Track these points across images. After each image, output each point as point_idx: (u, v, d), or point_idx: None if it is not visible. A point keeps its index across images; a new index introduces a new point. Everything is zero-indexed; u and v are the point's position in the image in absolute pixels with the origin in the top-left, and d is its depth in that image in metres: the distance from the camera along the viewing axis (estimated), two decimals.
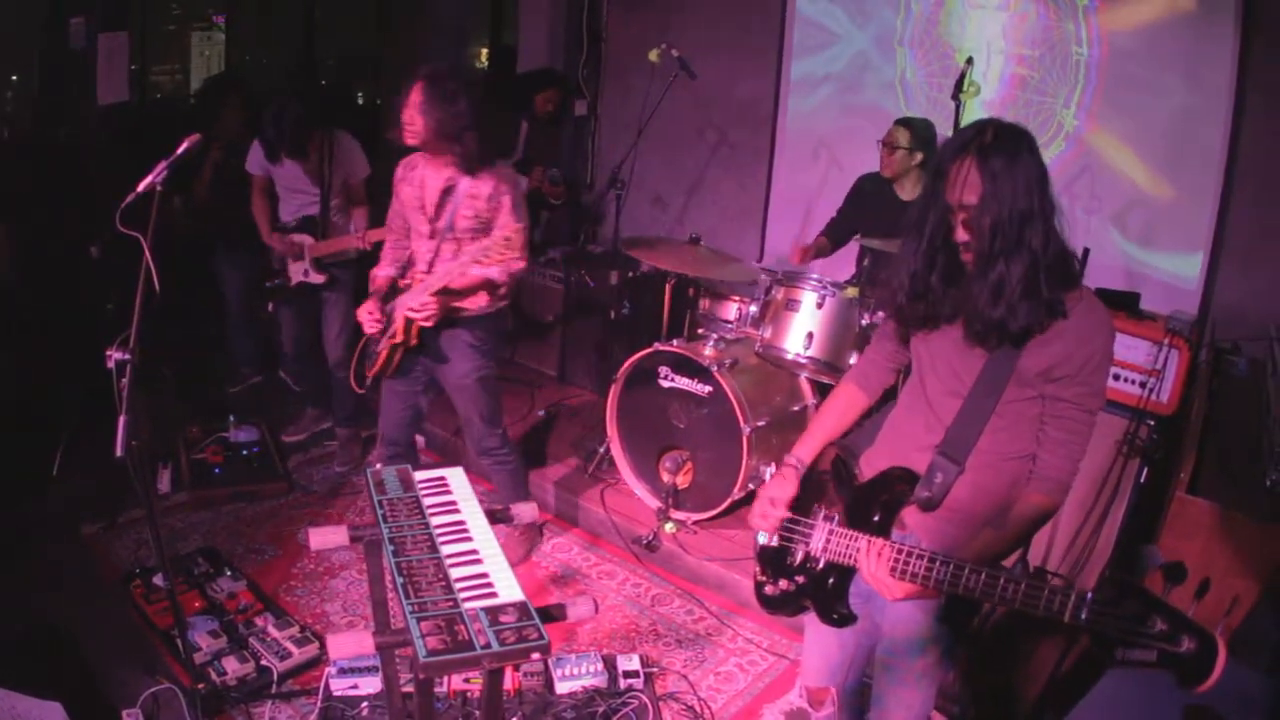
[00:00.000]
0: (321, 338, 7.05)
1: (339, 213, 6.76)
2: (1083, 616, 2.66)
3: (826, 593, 3.45)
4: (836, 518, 3.45)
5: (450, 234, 5.25)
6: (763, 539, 3.74)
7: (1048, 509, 3.22)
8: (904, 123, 6.65)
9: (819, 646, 3.92)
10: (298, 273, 6.81)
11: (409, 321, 5.24)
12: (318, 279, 6.76)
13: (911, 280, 3.25)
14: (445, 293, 5.17)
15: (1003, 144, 2.96)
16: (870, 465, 3.57)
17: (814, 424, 3.85)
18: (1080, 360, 3.06)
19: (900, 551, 3.06)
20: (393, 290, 5.49)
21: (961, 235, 3.05)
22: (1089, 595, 2.67)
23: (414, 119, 5.01)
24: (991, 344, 3.14)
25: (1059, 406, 3.15)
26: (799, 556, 3.56)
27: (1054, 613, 2.72)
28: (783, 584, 3.64)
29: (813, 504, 3.56)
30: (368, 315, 5.42)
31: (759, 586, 3.77)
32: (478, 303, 5.39)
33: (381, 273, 5.59)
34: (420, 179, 5.32)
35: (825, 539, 3.43)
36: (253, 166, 6.80)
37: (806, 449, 3.76)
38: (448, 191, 5.23)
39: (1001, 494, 3.30)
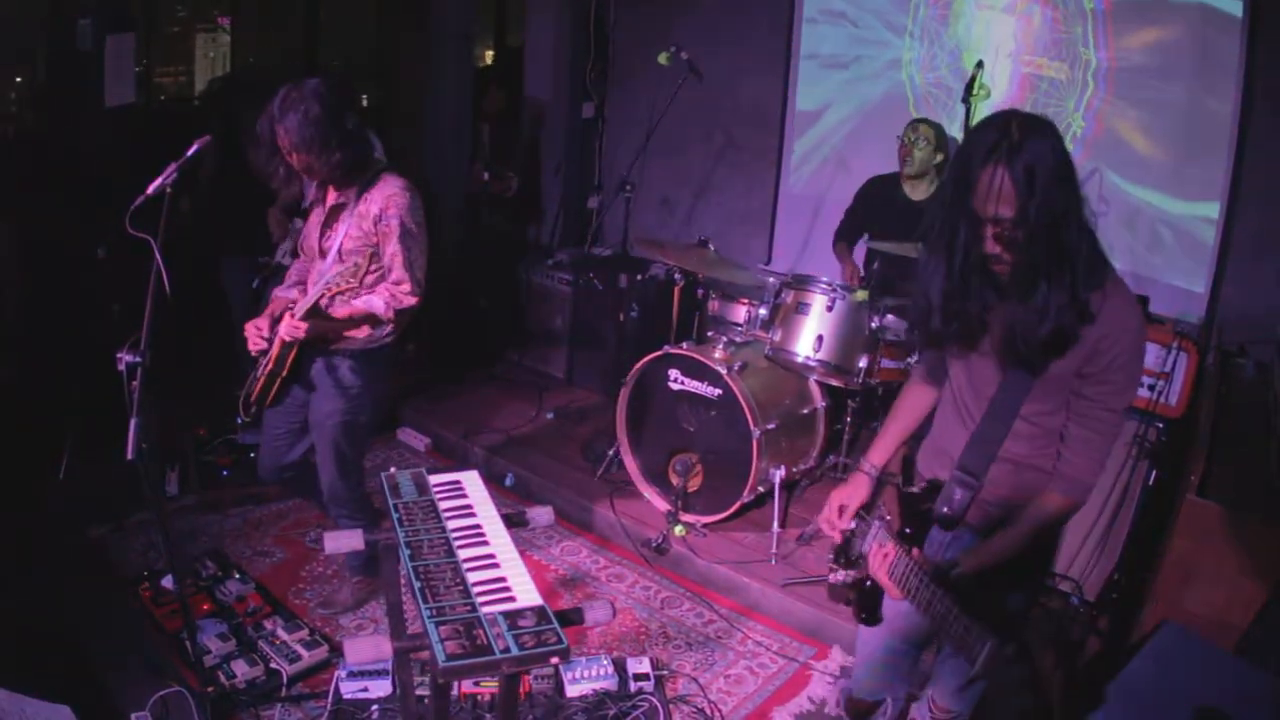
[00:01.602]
0: None
1: None
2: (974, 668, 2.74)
3: (865, 592, 3.46)
4: (888, 521, 3.44)
5: (337, 259, 4.84)
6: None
7: (1066, 508, 3.19)
8: (925, 121, 6.66)
9: (875, 660, 3.89)
10: (280, 253, 6.88)
11: (284, 347, 4.84)
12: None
13: (945, 300, 3.13)
14: (318, 316, 4.76)
15: (1031, 143, 2.81)
16: (925, 467, 3.59)
17: (886, 426, 3.83)
18: (1107, 359, 3.00)
19: (900, 560, 3.05)
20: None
21: (993, 248, 2.93)
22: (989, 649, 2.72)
23: (284, 144, 4.62)
24: (1032, 362, 3.09)
25: (1082, 404, 3.10)
26: (854, 550, 3.56)
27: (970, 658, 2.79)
28: (840, 574, 3.66)
29: (878, 502, 3.56)
30: (254, 330, 4.93)
31: (831, 571, 3.78)
32: (357, 335, 4.97)
33: (282, 293, 5.17)
34: (322, 201, 5.02)
35: (871, 539, 3.42)
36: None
37: (879, 452, 3.76)
38: (338, 209, 4.92)
39: (1028, 496, 3.27)
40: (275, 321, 4.91)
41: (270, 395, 5.01)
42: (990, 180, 2.83)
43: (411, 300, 4.86)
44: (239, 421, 5.40)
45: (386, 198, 4.77)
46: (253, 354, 5.01)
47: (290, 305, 4.91)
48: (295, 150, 4.59)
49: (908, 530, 3.34)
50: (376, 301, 4.80)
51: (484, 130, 8.76)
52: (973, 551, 3.20)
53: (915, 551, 3.18)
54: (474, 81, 8.96)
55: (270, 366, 4.89)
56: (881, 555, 3.20)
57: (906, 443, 3.79)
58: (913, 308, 3.35)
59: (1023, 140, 2.81)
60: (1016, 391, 3.18)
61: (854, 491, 3.67)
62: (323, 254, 4.96)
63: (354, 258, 4.67)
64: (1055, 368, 3.07)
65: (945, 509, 3.31)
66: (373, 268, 4.74)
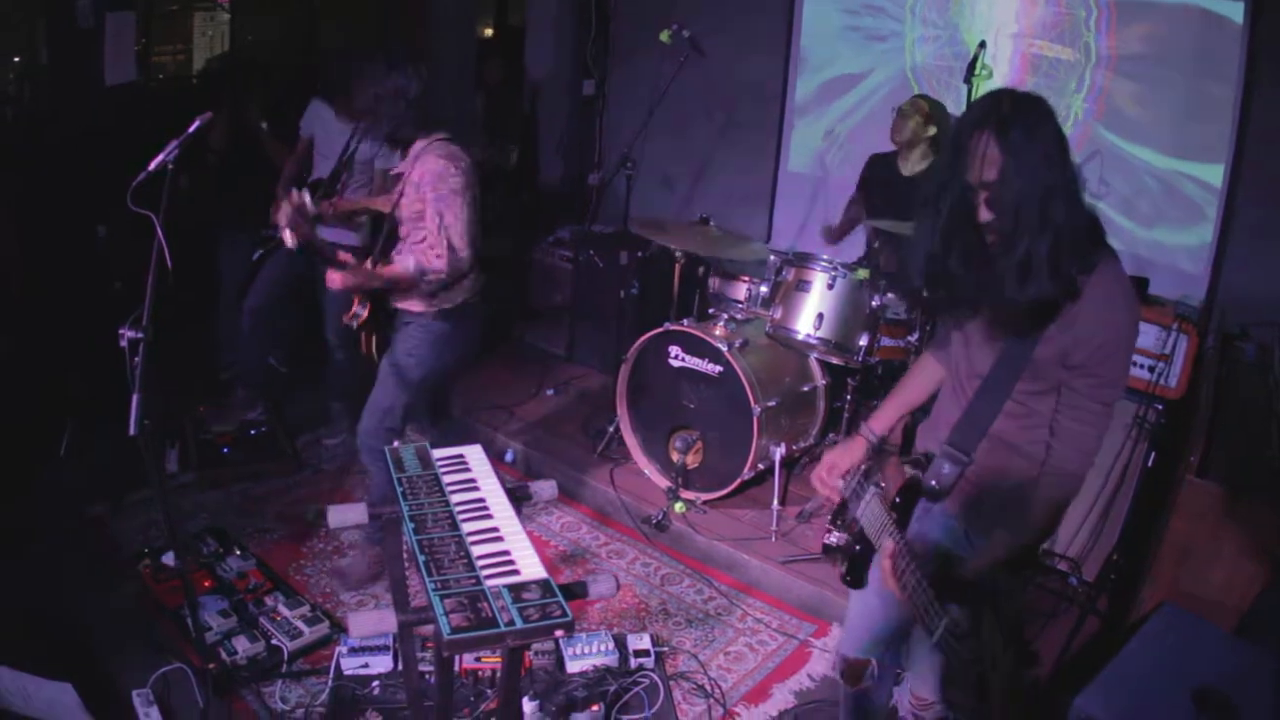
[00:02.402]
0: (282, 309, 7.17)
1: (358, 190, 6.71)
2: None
3: (854, 556, 3.47)
4: (884, 489, 3.43)
5: (398, 218, 5.22)
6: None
7: (1059, 499, 3.17)
8: (922, 96, 6.68)
9: (862, 618, 3.86)
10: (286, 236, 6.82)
11: (363, 326, 5.38)
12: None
13: (928, 262, 3.12)
14: (360, 273, 5.10)
15: (1021, 115, 2.87)
16: (920, 441, 3.59)
17: (892, 394, 3.84)
18: (1094, 346, 2.97)
19: (904, 557, 3.05)
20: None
21: (985, 215, 2.94)
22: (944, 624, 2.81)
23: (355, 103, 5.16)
24: (1016, 328, 3.09)
25: (1071, 396, 3.08)
26: (849, 514, 3.58)
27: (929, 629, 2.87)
28: (835, 536, 3.68)
29: (875, 470, 3.56)
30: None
31: (827, 533, 3.80)
32: (418, 302, 5.23)
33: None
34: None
35: (865, 506, 3.43)
36: (304, 127, 6.89)
37: (881, 420, 3.77)
38: (399, 177, 5.21)
39: (1014, 479, 3.27)
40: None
41: (373, 346, 5.49)
42: (978, 146, 2.88)
43: (439, 264, 5.00)
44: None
45: (423, 169, 4.99)
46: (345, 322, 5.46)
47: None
48: (357, 105, 5.11)
49: (898, 499, 3.35)
50: (409, 261, 5.04)
51: (480, 101, 8.75)
52: (978, 556, 3.20)
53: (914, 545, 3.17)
54: (474, 55, 8.98)
55: (355, 314, 5.35)
56: (886, 554, 3.19)
57: (912, 414, 3.80)
58: (899, 272, 3.39)
59: (1013, 112, 2.87)
60: (1010, 369, 3.18)
61: (846, 453, 3.68)
62: (398, 219, 5.24)
63: (408, 222, 5.13)
64: (1041, 351, 3.07)
65: (933, 482, 3.32)
66: (420, 227, 5.06)
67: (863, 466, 3.59)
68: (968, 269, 3.06)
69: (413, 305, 5.24)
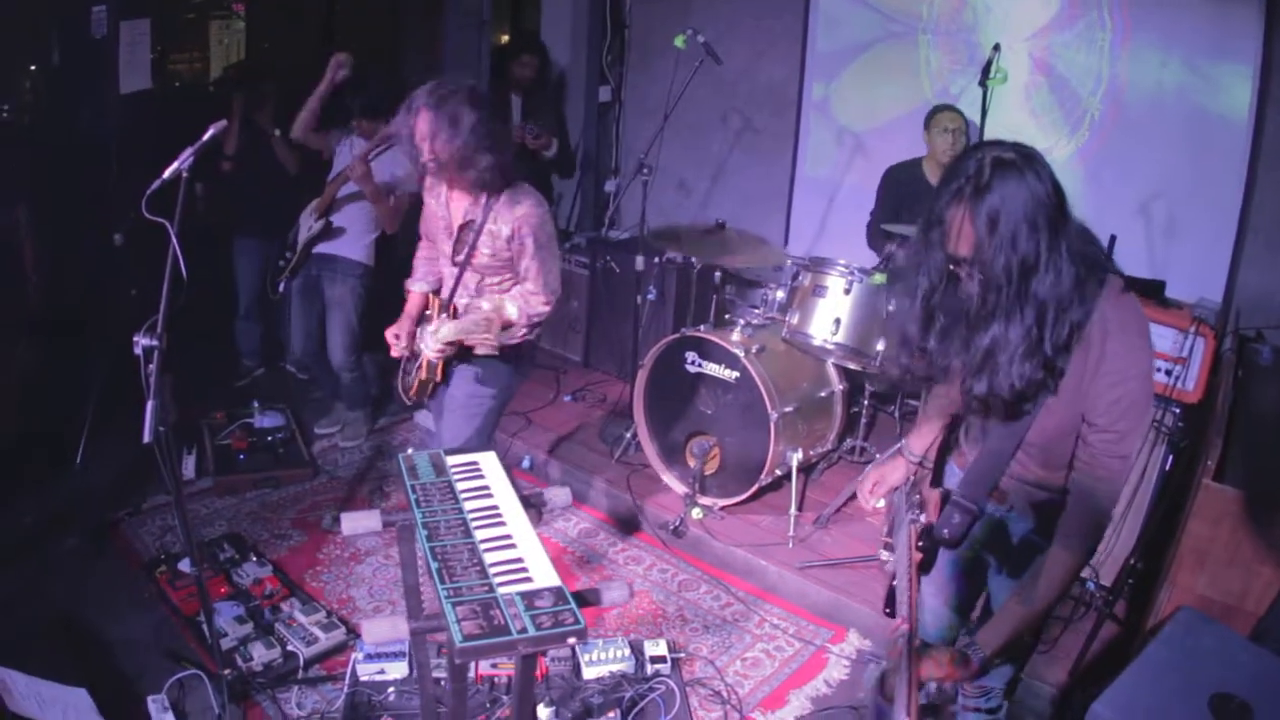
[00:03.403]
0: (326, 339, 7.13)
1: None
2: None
3: (892, 591, 3.42)
4: (916, 522, 3.36)
5: (470, 266, 4.97)
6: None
7: (1074, 565, 3.04)
8: (951, 108, 6.66)
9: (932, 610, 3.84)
10: (304, 231, 6.94)
11: (431, 361, 5.07)
12: (317, 227, 6.85)
13: (905, 344, 3.09)
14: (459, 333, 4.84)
15: (1000, 181, 2.68)
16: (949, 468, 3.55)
17: (925, 413, 3.79)
18: (1108, 403, 2.88)
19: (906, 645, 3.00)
20: (423, 316, 5.28)
21: (971, 287, 2.83)
22: None
23: (431, 152, 4.60)
24: (985, 413, 3.06)
25: (1088, 450, 2.96)
26: (894, 539, 3.55)
27: None
28: (890, 560, 3.65)
29: (915, 492, 3.52)
30: (394, 339, 5.17)
31: (884, 547, 3.77)
32: (487, 345, 5.00)
33: (415, 288, 5.33)
34: (446, 198, 5.00)
35: (899, 543, 3.38)
36: (331, 147, 6.98)
37: (919, 439, 3.72)
38: (466, 226, 4.90)
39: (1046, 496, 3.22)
40: (415, 322, 5.25)
41: (428, 393, 5.26)
42: (954, 220, 2.76)
43: (545, 308, 4.96)
44: (408, 403, 5.48)
45: (519, 219, 4.79)
46: (395, 357, 5.29)
47: (427, 299, 5.25)
48: (439, 156, 4.60)
49: (920, 544, 3.31)
50: (511, 309, 4.90)
51: (515, 102, 8.76)
52: (989, 630, 3.12)
53: (910, 634, 3.10)
54: (500, 54, 9.00)
55: (424, 375, 5.13)
56: (892, 642, 3.16)
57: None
58: (890, 345, 3.27)
59: (991, 180, 2.69)
60: (1005, 443, 3.13)
61: (889, 471, 3.66)
62: (455, 263, 5.01)
63: (492, 272, 4.93)
64: (1045, 421, 3.00)
65: (945, 532, 3.22)
66: (507, 275, 4.92)
67: (906, 484, 3.57)
68: (945, 353, 3.01)
69: (487, 348, 5.01)
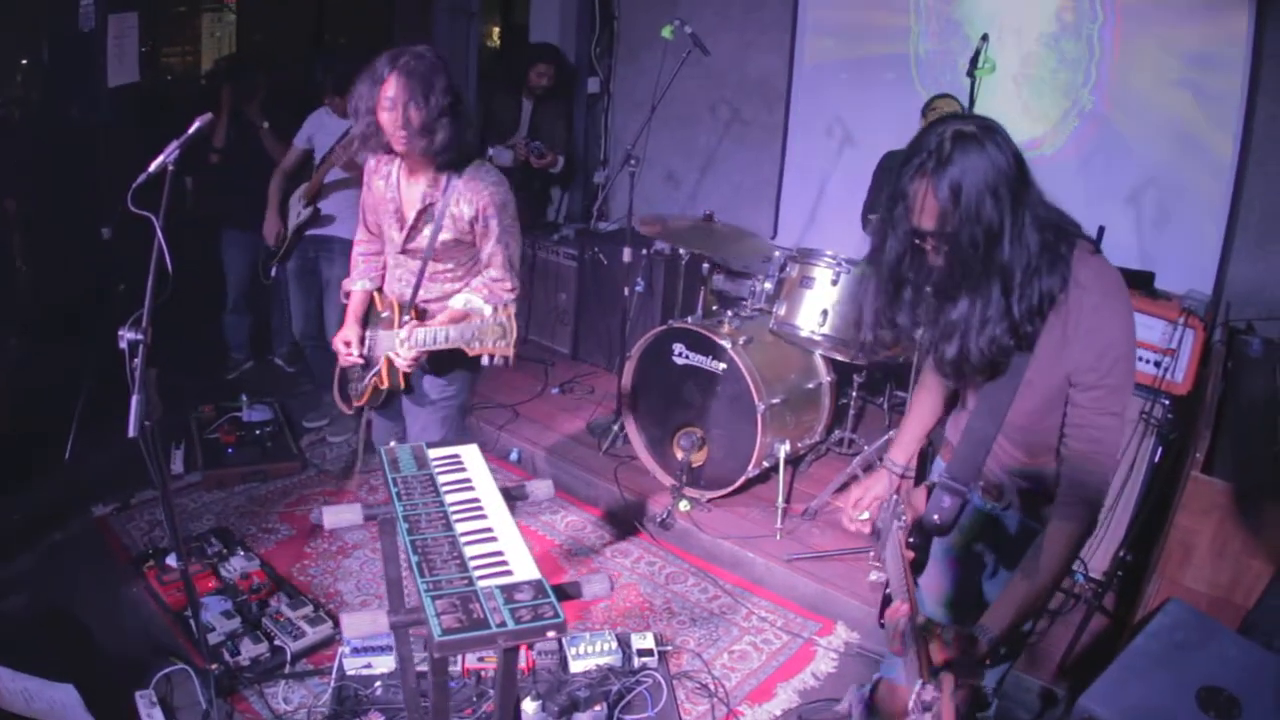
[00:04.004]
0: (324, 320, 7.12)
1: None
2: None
3: (885, 598, 3.41)
4: (904, 524, 3.35)
5: (432, 256, 4.67)
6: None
7: (1076, 535, 2.98)
8: (947, 96, 6.63)
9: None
10: (293, 217, 6.96)
11: (394, 368, 4.70)
12: (305, 214, 6.87)
13: (875, 317, 3.05)
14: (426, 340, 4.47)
15: (960, 154, 2.69)
16: (949, 430, 3.52)
17: (905, 422, 3.76)
18: (1093, 358, 2.86)
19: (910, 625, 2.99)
20: (370, 311, 5.01)
21: (935, 259, 2.85)
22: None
23: (402, 118, 4.26)
24: (962, 379, 3.06)
25: (1077, 413, 2.94)
26: (881, 552, 3.54)
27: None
28: (878, 574, 3.64)
29: (901, 502, 3.51)
30: (344, 346, 4.91)
31: (872, 569, 3.75)
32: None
33: (356, 286, 5.01)
34: (396, 179, 4.66)
35: (889, 550, 3.37)
36: (299, 138, 6.93)
37: (900, 450, 3.70)
38: (425, 212, 4.60)
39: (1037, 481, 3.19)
40: (364, 327, 4.97)
41: (380, 400, 5.01)
42: (917, 194, 2.76)
43: (511, 295, 4.68)
44: (345, 410, 5.32)
45: (483, 200, 4.51)
46: (344, 366, 5.11)
47: (370, 298, 4.97)
48: (411, 122, 4.26)
49: (912, 539, 3.31)
50: (477, 302, 4.50)
51: (525, 106, 8.76)
52: (995, 611, 3.04)
53: (912, 613, 3.08)
54: (518, 59, 9.00)
55: (383, 384, 4.85)
56: (892, 620, 3.14)
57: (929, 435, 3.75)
58: (853, 326, 3.24)
59: (952, 153, 2.70)
60: (988, 420, 3.12)
61: (872, 484, 3.64)
62: (404, 251, 4.72)
63: (449, 258, 4.67)
64: (1036, 373, 2.97)
65: (935, 517, 3.24)
66: (464, 262, 4.69)
67: (891, 499, 3.55)
68: (914, 324, 3.01)
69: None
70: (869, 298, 3.05)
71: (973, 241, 2.70)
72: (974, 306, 2.80)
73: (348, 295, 5.05)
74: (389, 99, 4.23)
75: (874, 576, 3.65)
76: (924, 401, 3.67)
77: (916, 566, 3.31)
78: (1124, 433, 5.29)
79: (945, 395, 3.59)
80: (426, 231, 4.62)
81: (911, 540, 3.32)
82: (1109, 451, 2.94)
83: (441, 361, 4.77)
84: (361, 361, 4.96)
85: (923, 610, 3.51)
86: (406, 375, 4.75)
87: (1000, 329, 2.81)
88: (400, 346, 4.48)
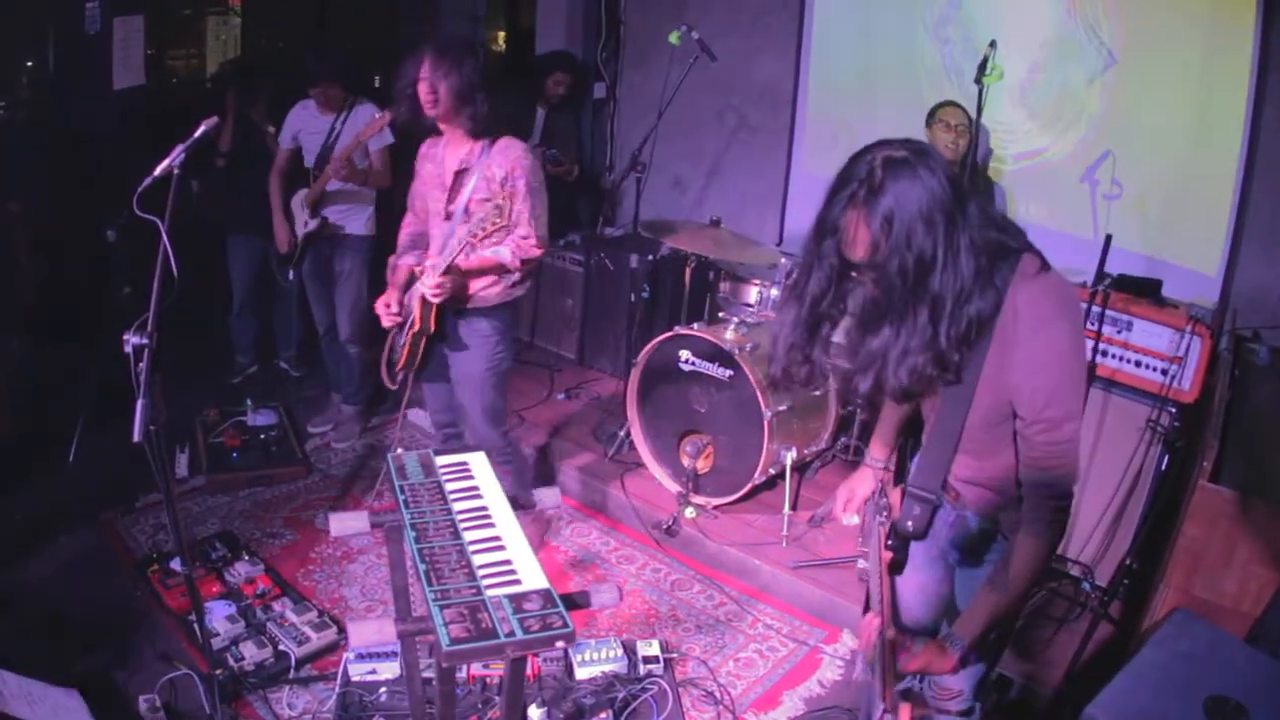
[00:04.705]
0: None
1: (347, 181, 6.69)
2: None
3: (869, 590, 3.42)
4: (885, 522, 3.39)
5: (465, 217, 5.15)
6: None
7: (1042, 551, 2.97)
8: (953, 103, 6.60)
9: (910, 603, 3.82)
10: (300, 225, 6.94)
11: (426, 306, 5.21)
12: (312, 224, 6.84)
13: (788, 351, 3.00)
14: (455, 272, 5.10)
15: (892, 181, 2.63)
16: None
17: (881, 417, 3.76)
18: (1028, 393, 2.82)
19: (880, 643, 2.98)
20: (411, 280, 5.41)
21: (869, 290, 2.79)
22: None
23: (430, 89, 5.01)
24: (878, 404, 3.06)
25: (1027, 445, 2.91)
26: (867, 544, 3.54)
27: None
28: (864, 563, 3.63)
29: (884, 497, 3.51)
30: (384, 308, 5.38)
31: (860, 557, 3.76)
32: (492, 290, 5.32)
33: (401, 261, 5.53)
34: (441, 156, 5.32)
35: (871, 547, 3.38)
36: (284, 137, 6.91)
37: (879, 445, 3.72)
38: (462, 173, 5.21)
39: (1009, 482, 3.13)
40: (404, 291, 5.44)
41: (419, 356, 5.45)
42: (848, 226, 2.70)
43: (537, 251, 5.22)
44: (389, 385, 5.53)
45: (512, 161, 5.15)
46: (386, 329, 5.51)
47: (412, 271, 5.40)
48: (438, 93, 5.02)
49: (889, 542, 3.31)
50: (504, 252, 5.16)
51: (539, 114, 8.76)
52: (964, 620, 3.09)
53: (883, 627, 3.08)
54: (536, 67, 8.99)
55: (415, 328, 5.31)
56: (865, 632, 3.14)
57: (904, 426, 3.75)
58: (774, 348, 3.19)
59: (884, 181, 2.65)
60: (944, 437, 3.10)
61: (858, 483, 3.67)
62: (448, 216, 5.29)
63: (480, 214, 4.99)
64: (978, 408, 2.95)
65: (909, 524, 3.22)
66: (499, 224, 4.97)
67: (875, 494, 3.56)
68: (827, 357, 2.98)
69: (489, 297, 5.34)
70: (785, 330, 3.00)
71: (902, 270, 2.64)
72: (898, 336, 2.73)
73: (393, 270, 5.56)
74: (425, 73, 5.00)
75: (861, 564, 3.66)
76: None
77: (896, 566, 3.33)
78: (1125, 434, 5.32)
79: None
80: (464, 193, 5.20)
81: (889, 542, 3.33)
82: (1063, 476, 2.91)
83: (471, 312, 5.35)
84: (400, 319, 5.41)
85: (902, 605, 3.54)
86: (439, 316, 5.28)
87: (923, 359, 2.74)
88: (424, 277, 5.14)
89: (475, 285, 5.26)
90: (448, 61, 4.97)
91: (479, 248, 5.08)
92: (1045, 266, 2.89)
